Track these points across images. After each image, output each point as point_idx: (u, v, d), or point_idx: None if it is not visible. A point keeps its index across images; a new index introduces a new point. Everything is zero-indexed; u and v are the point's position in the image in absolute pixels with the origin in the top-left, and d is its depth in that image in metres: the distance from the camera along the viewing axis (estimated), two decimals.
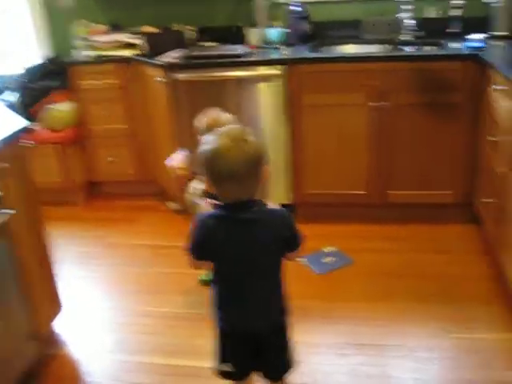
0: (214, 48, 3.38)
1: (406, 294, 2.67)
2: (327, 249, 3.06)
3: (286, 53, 3.13)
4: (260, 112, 3.18)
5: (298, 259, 2.94)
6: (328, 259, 2.98)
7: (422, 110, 3.03)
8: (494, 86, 2.65)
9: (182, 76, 3.13)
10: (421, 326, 2.46)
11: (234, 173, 1.45)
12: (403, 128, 3.08)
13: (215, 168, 1.46)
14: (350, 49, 3.41)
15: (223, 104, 3.05)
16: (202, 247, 1.57)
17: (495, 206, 2.68)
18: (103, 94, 3.61)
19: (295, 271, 2.88)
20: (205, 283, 2.75)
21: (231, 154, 1.44)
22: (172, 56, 3.24)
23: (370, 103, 3.02)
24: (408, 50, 3.17)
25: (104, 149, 3.77)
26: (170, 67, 3.15)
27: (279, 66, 3.05)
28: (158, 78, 3.18)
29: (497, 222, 2.65)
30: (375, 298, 2.64)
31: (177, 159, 2.71)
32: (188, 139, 3.24)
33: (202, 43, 3.51)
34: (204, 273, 2.77)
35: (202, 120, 2.39)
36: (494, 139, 2.69)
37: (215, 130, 2.35)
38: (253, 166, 1.47)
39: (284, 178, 3.29)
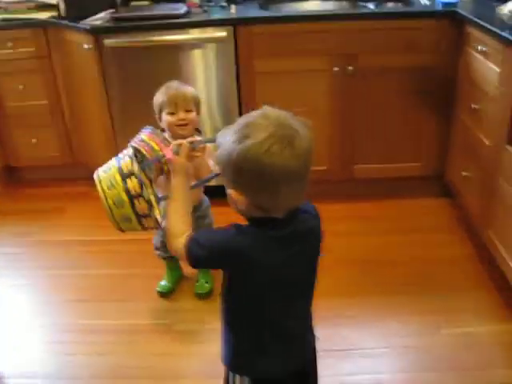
0: (148, 8, 2.89)
1: (383, 285, 2.39)
2: None
3: (233, 11, 2.70)
4: (205, 82, 2.76)
5: None
6: None
7: (390, 76, 2.71)
8: (479, 47, 2.36)
9: (112, 41, 2.64)
10: (405, 322, 2.18)
11: (292, 174, 1.08)
12: (368, 95, 2.76)
13: (266, 170, 1.05)
14: (307, 6, 3.03)
15: (161, 73, 2.66)
16: (238, 272, 1.20)
17: (478, 179, 2.43)
18: (16, 65, 3.04)
19: None
20: (163, 295, 2.40)
21: (287, 150, 1.06)
22: (99, 18, 2.73)
23: (334, 68, 2.67)
24: (371, 6, 2.82)
25: (22, 129, 3.22)
26: (98, 32, 2.65)
27: (226, 28, 2.62)
28: (85, 46, 2.68)
29: (481, 197, 2.41)
30: (349, 293, 2.34)
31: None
32: (126, 115, 2.81)
33: (134, 2, 3.00)
34: (163, 281, 2.42)
35: (161, 96, 2.04)
36: (476, 107, 2.43)
37: (179, 106, 1.97)
38: (310, 160, 1.11)
39: None
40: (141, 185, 1.29)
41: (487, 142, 2.33)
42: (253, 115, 1.11)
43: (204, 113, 2.59)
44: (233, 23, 2.63)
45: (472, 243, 2.61)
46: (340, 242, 2.61)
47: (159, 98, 2.05)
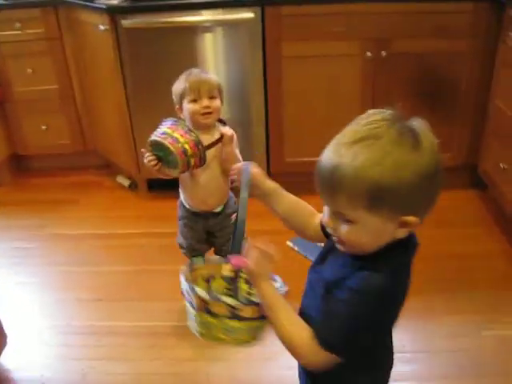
0: None
1: (418, 283, 2.25)
2: None
3: None
4: (230, 67, 2.60)
5: (291, 246, 2.51)
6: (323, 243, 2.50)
7: (423, 61, 2.55)
8: None
9: (129, 22, 2.46)
10: (444, 323, 2.04)
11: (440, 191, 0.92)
12: (400, 81, 2.60)
13: (431, 190, 0.91)
14: None
15: (181, 57, 2.53)
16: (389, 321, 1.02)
17: None
18: (25, 47, 2.86)
19: (287, 261, 2.44)
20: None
21: (440, 166, 0.91)
22: None
23: (367, 53, 2.49)
24: None
25: (31, 115, 3.05)
26: (115, 11, 2.47)
27: (253, 8, 2.45)
28: (101, 26, 2.49)
29: None
30: None
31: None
32: (143, 100, 2.64)
33: None
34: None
35: (182, 83, 1.84)
36: None
37: (203, 92, 1.77)
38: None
39: (260, 143, 2.75)
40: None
41: None
42: (373, 126, 0.90)
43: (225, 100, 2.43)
44: (261, 3, 2.45)
45: (507, 238, 2.47)
46: None
47: (180, 85, 1.85)
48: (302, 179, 2.80)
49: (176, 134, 1.75)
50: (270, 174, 2.76)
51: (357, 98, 2.63)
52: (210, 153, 1.81)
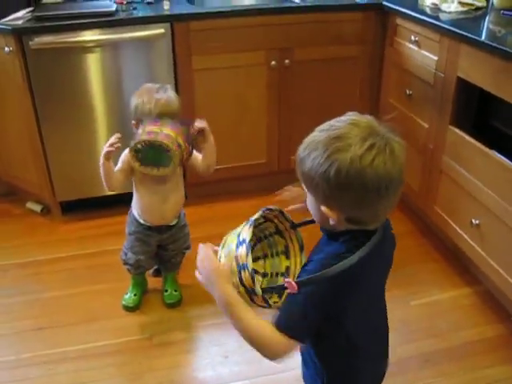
0: (75, 5, 2.64)
1: None
2: None
3: (166, 8, 2.59)
4: (143, 81, 2.59)
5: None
6: None
7: (322, 67, 2.79)
8: (412, 37, 2.52)
9: (38, 43, 2.39)
10: None
11: (395, 183, 1.01)
12: (302, 87, 2.82)
13: (370, 183, 0.98)
14: (239, 1, 3.00)
15: (95, 74, 2.57)
16: (339, 313, 1.09)
17: (420, 160, 2.60)
18: None
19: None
20: (129, 309, 2.25)
21: (389, 159, 0.98)
22: (19, 18, 2.45)
23: (272, 62, 2.68)
24: (297, 0, 2.85)
25: None
26: (21, 32, 2.38)
27: (163, 25, 2.51)
28: (6, 48, 2.39)
29: (423, 177, 2.59)
30: None
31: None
32: (56, 121, 2.60)
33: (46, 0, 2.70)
34: (127, 294, 2.27)
35: (145, 106, 1.83)
36: (411, 92, 2.60)
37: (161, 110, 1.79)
38: (404, 166, 1.03)
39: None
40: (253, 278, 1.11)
41: (426, 125, 2.51)
42: (338, 125, 1.03)
43: None
44: (169, 20, 2.52)
45: (411, 221, 2.80)
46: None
47: (145, 107, 1.83)
48: (215, 187, 2.95)
49: (166, 130, 1.74)
50: (185, 185, 2.84)
51: (264, 104, 2.81)
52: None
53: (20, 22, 2.40)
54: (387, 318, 1.27)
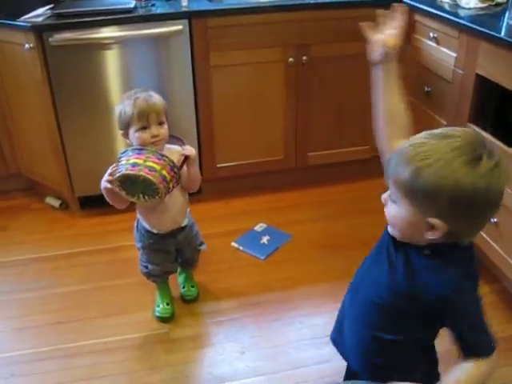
0: (94, 2, 2.64)
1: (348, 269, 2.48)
2: (259, 227, 2.72)
3: (185, 4, 2.60)
4: (161, 78, 2.64)
5: (236, 246, 2.61)
6: (265, 239, 2.65)
7: (340, 64, 2.78)
8: (431, 34, 2.50)
9: (57, 39, 2.41)
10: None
11: (500, 194, 1.03)
12: (320, 84, 2.82)
13: (482, 196, 0.99)
14: None
15: (114, 71, 2.59)
16: None
17: None
18: None
19: (235, 261, 2.53)
20: (166, 320, 2.21)
21: (496, 170, 0.99)
22: (39, 15, 2.48)
23: (289, 59, 2.68)
24: None
25: None
26: (41, 29, 2.41)
27: (181, 21, 2.52)
28: (26, 45, 2.42)
29: None
30: (333, 277, 2.36)
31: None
32: (75, 117, 2.63)
33: None
34: (159, 305, 2.23)
35: (128, 108, 1.80)
36: (429, 89, 2.58)
37: (152, 119, 1.78)
38: None
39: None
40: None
41: (445, 122, 2.49)
42: (432, 142, 1.02)
43: None
44: (187, 17, 2.53)
45: None
46: (307, 227, 2.72)
47: (126, 111, 1.80)
48: (232, 183, 2.96)
49: (149, 163, 1.73)
50: (202, 179, 2.86)
51: (281, 101, 2.81)
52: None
53: (40, 20, 2.44)
54: None
